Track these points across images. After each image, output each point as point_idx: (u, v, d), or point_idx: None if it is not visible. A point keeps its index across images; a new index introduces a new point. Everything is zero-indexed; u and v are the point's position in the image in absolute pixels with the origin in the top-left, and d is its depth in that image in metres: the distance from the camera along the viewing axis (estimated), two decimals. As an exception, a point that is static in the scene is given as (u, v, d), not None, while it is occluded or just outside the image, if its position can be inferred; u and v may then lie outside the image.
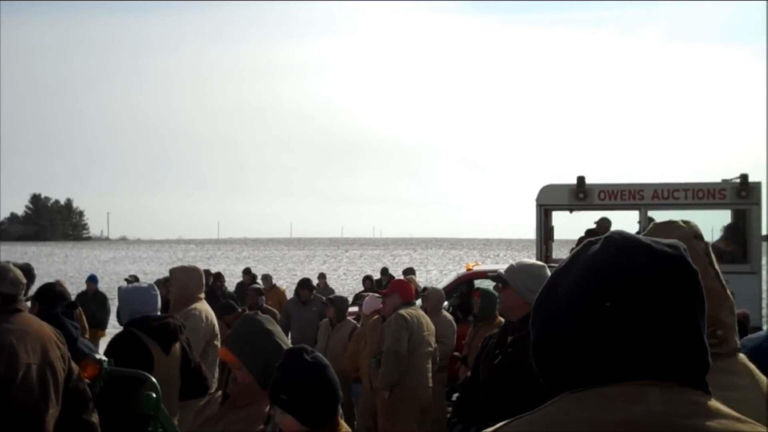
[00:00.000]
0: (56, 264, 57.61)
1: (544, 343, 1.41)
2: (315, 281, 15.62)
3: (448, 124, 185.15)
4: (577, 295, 1.36)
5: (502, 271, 4.48)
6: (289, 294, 16.40)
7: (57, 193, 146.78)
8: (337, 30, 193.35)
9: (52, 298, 5.63)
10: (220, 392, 4.04)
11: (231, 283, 23.81)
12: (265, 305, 12.68)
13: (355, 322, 10.26)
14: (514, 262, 4.58)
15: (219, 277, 17.81)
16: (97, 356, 4.94)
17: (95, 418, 4.60)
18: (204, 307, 7.31)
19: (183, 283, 7.29)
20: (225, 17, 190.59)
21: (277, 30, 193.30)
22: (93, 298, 15.56)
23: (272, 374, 3.10)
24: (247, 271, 19.87)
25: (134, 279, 16.05)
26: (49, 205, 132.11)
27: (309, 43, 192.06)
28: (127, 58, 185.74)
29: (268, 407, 3.92)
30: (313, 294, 13.10)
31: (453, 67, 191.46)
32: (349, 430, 3.18)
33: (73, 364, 4.64)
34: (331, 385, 3.04)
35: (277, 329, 3.69)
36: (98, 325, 15.11)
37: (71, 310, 5.67)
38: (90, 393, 4.64)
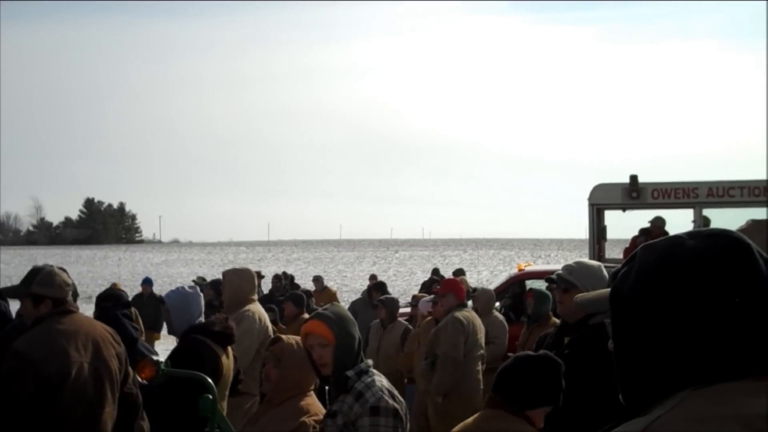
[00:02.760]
0: (110, 267, 58.54)
1: (648, 342, 1.39)
2: (366, 282, 15.62)
3: (496, 124, 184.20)
4: (700, 293, 1.36)
5: (560, 271, 4.42)
6: (340, 295, 16.47)
7: (110, 197, 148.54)
8: (379, 32, 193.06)
9: (110, 299, 5.71)
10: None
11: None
12: (314, 307, 12.74)
13: (406, 323, 10.24)
14: (572, 263, 4.52)
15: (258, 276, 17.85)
16: (155, 357, 4.99)
17: (146, 425, 4.66)
18: (257, 308, 7.34)
19: (235, 285, 7.33)
20: (262, 20, 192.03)
21: (318, 33, 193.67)
22: (148, 301, 15.73)
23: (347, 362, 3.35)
24: (284, 275, 19.78)
25: (202, 280, 16.23)
26: (102, 209, 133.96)
27: (352, 45, 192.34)
28: (176, 62, 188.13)
29: (303, 402, 3.97)
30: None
31: (499, 66, 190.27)
32: None
33: (130, 369, 4.70)
34: None
35: None
36: (153, 327, 15.27)
37: (128, 311, 5.73)
38: (141, 399, 4.69)
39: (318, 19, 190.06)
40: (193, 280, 16.79)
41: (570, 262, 4.61)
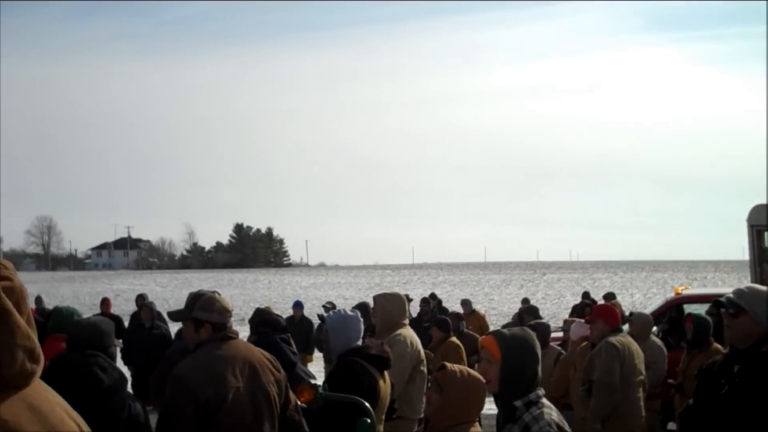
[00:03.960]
0: (261, 290, 60.17)
1: None
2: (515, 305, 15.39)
3: (644, 144, 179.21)
4: None
5: (730, 295, 4.22)
6: (489, 318, 16.31)
7: (259, 223, 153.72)
8: (521, 55, 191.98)
9: (268, 324, 5.82)
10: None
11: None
12: (465, 330, 12.67)
13: (559, 348, 10.03)
14: (743, 287, 4.30)
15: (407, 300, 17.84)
16: (313, 381, 5.04)
17: None
18: (409, 332, 7.34)
19: (386, 309, 7.36)
20: (405, 46, 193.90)
21: (459, 57, 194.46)
22: (300, 324, 15.97)
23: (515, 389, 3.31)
24: (432, 297, 19.75)
25: (331, 306, 16.41)
26: (251, 233, 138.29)
27: (493, 68, 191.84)
28: (323, 89, 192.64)
29: (473, 428, 3.90)
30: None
31: (643, 86, 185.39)
32: None
33: (291, 395, 4.75)
34: None
35: None
36: (305, 349, 15.49)
37: (285, 336, 5.83)
38: (306, 427, 4.74)
39: (458, 43, 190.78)
40: (324, 306, 17.00)
41: (741, 286, 4.39)
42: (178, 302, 46.53)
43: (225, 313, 4.63)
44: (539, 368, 3.77)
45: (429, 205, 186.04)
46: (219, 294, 4.79)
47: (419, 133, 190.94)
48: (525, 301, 19.52)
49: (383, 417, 5.59)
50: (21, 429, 1.51)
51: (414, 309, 20.01)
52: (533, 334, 3.91)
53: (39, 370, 1.61)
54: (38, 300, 19.40)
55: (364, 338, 6.08)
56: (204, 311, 4.61)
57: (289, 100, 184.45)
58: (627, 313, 11.55)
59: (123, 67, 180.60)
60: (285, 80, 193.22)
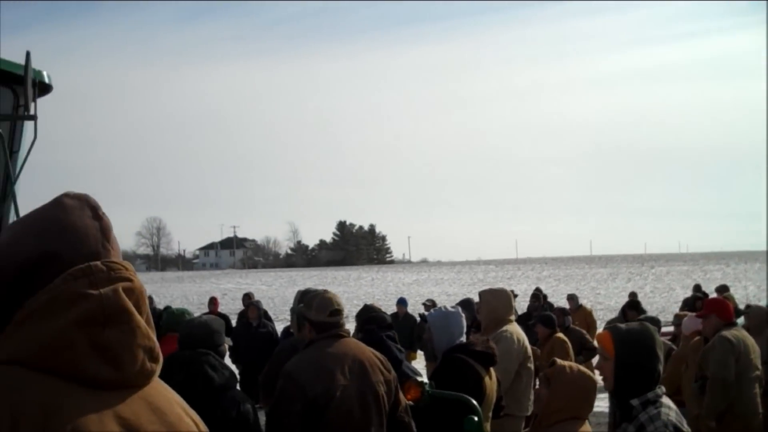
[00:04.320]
0: (364, 287, 60.63)
1: None
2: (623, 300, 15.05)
3: (753, 130, 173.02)
4: None
5: None
6: (596, 314, 16.01)
7: (361, 220, 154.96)
8: (621, 43, 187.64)
9: (374, 321, 5.84)
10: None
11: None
12: (571, 326, 12.46)
13: (670, 343, 9.77)
14: None
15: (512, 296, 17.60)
16: (420, 379, 5.04)
17: None
18: (515, 329, 7.26)
19: (491, 305, 7.30)
20: (498, 38, 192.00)
21: (558, 47, 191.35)
22: (403, 321, 15.97)
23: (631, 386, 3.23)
24: (537, 292, 19.34)
25: (432, 304, 16.37)
26: (354, 231, 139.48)
27: (595, 57, 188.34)
28: (423, 84, 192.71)
29: (574, 428, 3.84)
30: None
31: (749, 67, 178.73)
32: None
33: (401, 396, 4.75)
34: None
35: None
36: (409, 346, 15.49)
37: (391, 333, 5.84)
38: (414, 429, 4.74)
39: (562, 31, 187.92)
40: (424, 303, 16.92)
41: None
42: (284, 300, 47.33)
43: (325, 310, 4.67)
44: (660, 366, 3.66)
45: (532, 198, 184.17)
46: (328, 292, 4.85)
47: (523, 125, 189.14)
48: (632, 294, 19.02)
49: (490, 414, 5.54)
50: (141, 427, 1.54)
51: (519, 305, 19.83)
52: (653, 330, 3.79)
53: (158, 369, 1.64)
54: (149, 300, 19.95)
55: (468, 335, 6.05)
56: (307, 309, 4.70)
57: (389, 96, 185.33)
58: (741, 307, 11.15)
59: (227, 68, 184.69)
60: (384, 76, 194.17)
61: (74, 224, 1.61)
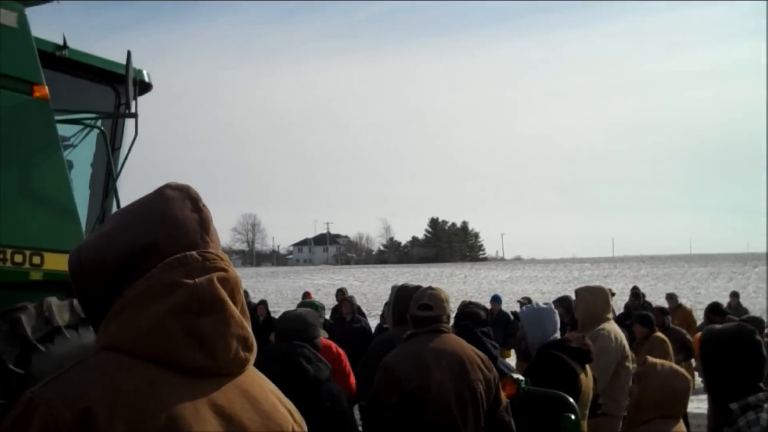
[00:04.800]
0: (456, 284, 60.41)
1: None
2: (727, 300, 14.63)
3: None
4: None
5: None
6: (696, 314, 15.57)
7: (454, 216, 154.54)
8: (725, 35, 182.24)
9: (468, 317, 5.80)
10: None
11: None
12: (671, 325, 12.14)
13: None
14: None
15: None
16: (515, 376, 4.98)
17: None
18: (613, 327, 7.12)
19: (589, 303, 7.17)
20: (586, 36, 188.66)
21: (661, 40, 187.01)
22: (497, 318, 15.87)
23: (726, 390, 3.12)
24: (635, 290, 18.86)
25: (527, 301, 16.20)
26: (446, 227, 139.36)
27: (697, 51, 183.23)
28: (517, 81, 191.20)
29: (666, 427, 3.72)
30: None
31: None
32: None
33: (502, 395, 4.72)
34: None
35: None
36: (503, 344, 15.41)
37: (486, 329, 5.78)
38: (514, 427, 4.70)
39: (659, 25, 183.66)
40: (519, 301, 16.73)
41: None
42: (376, 296, 47.56)
43: (426, 304, 4.67)
44: (764, 368, 3.50)
45: (629, 195, 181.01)
46: (432, 288, 4.86)
47: (618, 122, 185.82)
48: (734, 294, 18.47)
49: (586, 413, 5.44)
50: (235, 414, 1.55)
51: (616, 304, 19.44)
52: (749, 331, 3.63)
53: (252, 358, 1.64)
54: (245, 294, 20.32)
55: (564, 332, 5.94)
56: (411, 303, 4.72)
57: (482, 93, 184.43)
58: None
59: (319, 67, 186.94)
60: (479, 73, 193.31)
61: (174, 215, 1.63)
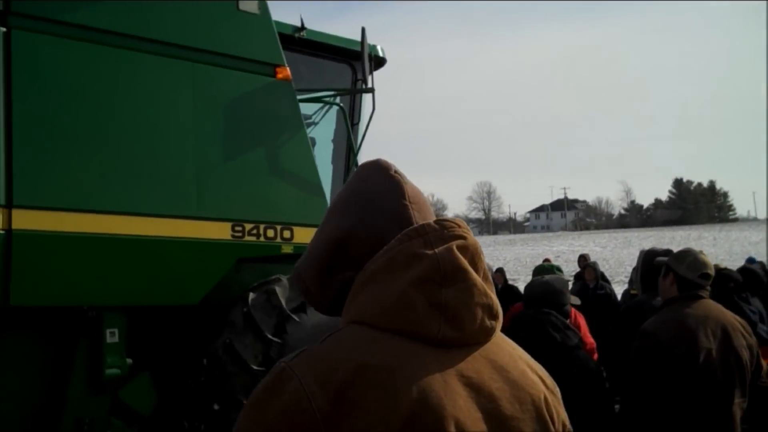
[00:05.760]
0: (706, 247, 57.41)
1: None
2: None
3: None
4: None
5: None
6: None
7: (699, 176, 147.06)
8: None
9: (721, 281, 5.51)
10: None
11: None
12: None
13: None
14: None
15: None
16: (778, 342, 4.67)
17: None
18: None
19: None
20: None
21: None
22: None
23: None
24: None
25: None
26: (691, 188, 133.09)
27: None
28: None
29: None
30: None
31: None
32: None
33: (763, 362, 4.51)
34: None
35: None
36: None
37: (744, 294, 5.46)
38: None
39: None
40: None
41: None
42: (619, 262, 46.31)
43: (697, 270, 4.52)
44: None
45: None
46: (703, 254, 4.68)
47: None
48: None
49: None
50: (484, 384, 1.53)
51: None
52: None
53: (498, 325, 1.61)
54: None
55: None
56: (678, 262, 4.56)
57: (722, 45, 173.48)
58: None
59: (546, 32, 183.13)
60: (721, 24, 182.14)
61: (369, 190, 1.65)
